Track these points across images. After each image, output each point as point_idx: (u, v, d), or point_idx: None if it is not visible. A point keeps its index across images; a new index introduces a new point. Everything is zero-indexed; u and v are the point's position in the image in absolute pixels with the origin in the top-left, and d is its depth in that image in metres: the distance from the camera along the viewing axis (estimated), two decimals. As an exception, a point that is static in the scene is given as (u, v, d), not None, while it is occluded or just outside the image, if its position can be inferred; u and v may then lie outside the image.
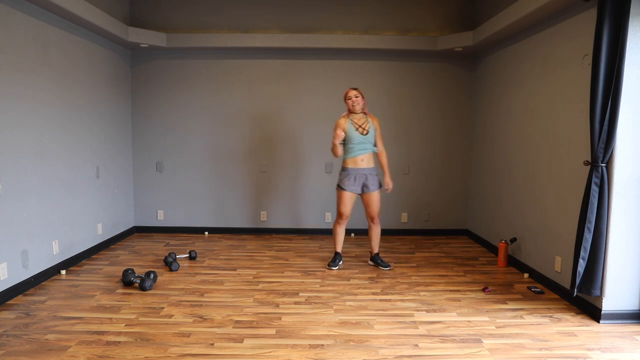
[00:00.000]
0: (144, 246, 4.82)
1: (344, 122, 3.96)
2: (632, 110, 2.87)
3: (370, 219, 4.14)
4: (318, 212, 5.40)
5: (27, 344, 2.58)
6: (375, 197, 4.03)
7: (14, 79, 3.31)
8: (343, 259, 4.34)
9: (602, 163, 2.87)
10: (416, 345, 2.62)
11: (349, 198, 4.01)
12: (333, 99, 5.27)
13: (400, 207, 5.43)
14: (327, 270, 4.04)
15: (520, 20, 3.72)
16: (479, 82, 5.14)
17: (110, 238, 4.82)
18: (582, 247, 2.93)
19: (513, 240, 4.14)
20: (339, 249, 4.17)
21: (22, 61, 3.39)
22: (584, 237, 2.92)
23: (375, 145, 4.04)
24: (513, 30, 4.05)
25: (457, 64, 5.28)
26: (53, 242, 3.80)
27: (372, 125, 4.00)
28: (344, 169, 4.02)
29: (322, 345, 2.62)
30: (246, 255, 4.51)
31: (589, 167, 3.03)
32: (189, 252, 4.34)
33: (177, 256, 4.31)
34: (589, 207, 2.89)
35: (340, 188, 4.02)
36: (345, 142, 3.98)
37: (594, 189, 2.88)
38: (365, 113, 4.04)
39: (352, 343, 2.65)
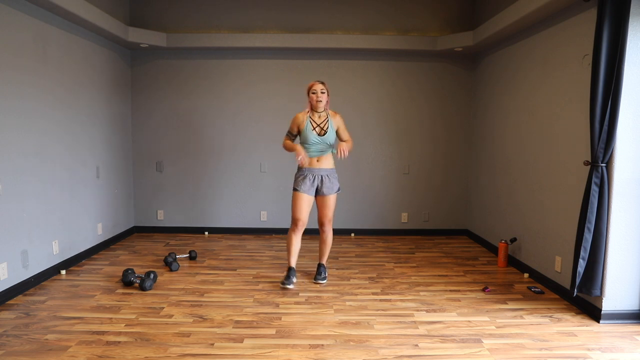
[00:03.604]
0: (144, 246, 4.82)
1: (303, 118, 3.59)
2: (632, 110, 2.87)
3: (320, 224, 3.72)
4: (318, 212, 5.40)
5: (27, 344, 2.58)
6: (329, 200, 3.64)
7: (14, 79, 3.31)
8: (340, 258, 4.34)
9: (602, 163, 2.87)
10: (416, 345, 2.62)
11: (304, 201, 3.57)
12: (333, 98, 5.27)
13: (400, 207, 5.43)
14: (326, 270, 4.03)
15: (520, 20, 3.72)
16: (479, 82, 5.14)
17: (110, 238, 4.82)
18: (582, 247, 2.93)
19: (513, 240, 4.14)
20: (293, 263, 3.67)
21: (22, 61, 3.39)
22: (584, 237, 2.92)
23: (334, 147, 3.63)
24: (513, 30, 4.05)
25: (457, 64, 5.28)
26: (53, 242, 3.80)
27: (332, 124, 3.60)
28: (298, 169, 3.64)
29: (322, 345, 2.62)
30: (246, 255, 4.51)
31: (589, 167, 3.02)
32: (189, 252, 4.34)
33: (177, 256, 4.31)
34: (589, 207, 2.89)
35: (294, 190, 3.62)
36: (301, 142, 3.63)
37: (594, 189, 2.88)
38: (326, 110, 3.63)
39: (352, 343, 2.65)
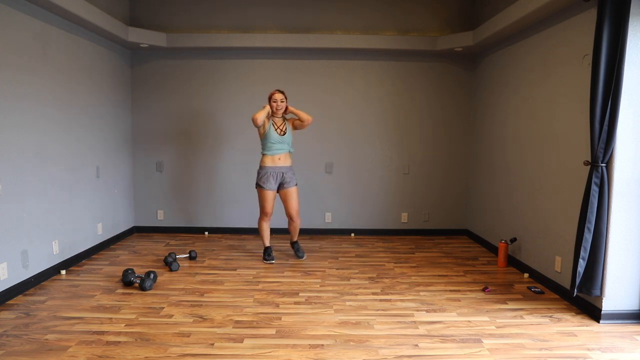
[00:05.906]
0: (144, 246, 4.82)
1: (266, 120, 4.16)
2: (632, 110, 2.87)
3: (290, 217, 4.31)
4: (318, 212, 5.40)
5: (27, 344, 2.58)
6: (292, 192, 4.22)
7: (14, 79, 3.31)
8: (340, 258, 4.37)
9: (602, 163, 2.87)
10: (416, 345, 2.62)
11: (270, 196, 4.17)
12: (333, 98, 5.27)
13: (400, 207, 5.43)
14: (326, 270, 4.04)
15: (520, 20, 3.72)
16: (479, 82, 5.14)
17: (110, 238, 4.82)
18: (582, 247, 2.93)
19: (513, 240, 4.14)
20: (268, 243, 4.38)
21: (22, 61, 3.39)
22: (584, 237, 2.92)
23: (291, 146, 4.28)
24: (513, 30, 4.05)
25: (458, 64, 5.28)
26: (53, 242, 3.80)
27: (289, 127, 4.22)
28: (261, 167, 4.18)
29: (322, 345, 2.62)
30: (246, 255, 4.51)
31: (589, 167, 3.03)
32: (189, 252, 4.34)
33: (177, 256, 4.31)
34: (589, 207, 2.89)
35: (259, 187, 4.18)
36: (263, 140, 4.18)
37: (594, 189, 2.88)
38: (284, 116, 4.25)
39: (352, 343, 2.65)
